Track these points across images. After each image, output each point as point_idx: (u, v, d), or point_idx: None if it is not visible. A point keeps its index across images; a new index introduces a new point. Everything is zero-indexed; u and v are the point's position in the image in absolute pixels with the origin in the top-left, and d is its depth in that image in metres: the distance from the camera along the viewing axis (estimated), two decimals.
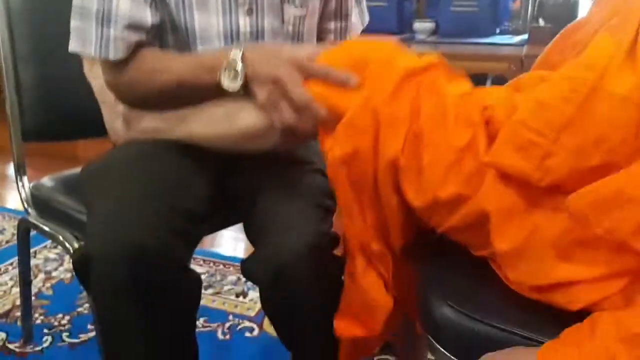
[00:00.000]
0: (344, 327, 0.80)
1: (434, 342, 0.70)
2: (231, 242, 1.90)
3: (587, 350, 0.53)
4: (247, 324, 1.43)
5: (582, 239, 0.58)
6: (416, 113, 0.66)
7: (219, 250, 1.84)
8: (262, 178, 0.88)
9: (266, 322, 1.43)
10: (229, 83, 0.75)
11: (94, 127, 1.11)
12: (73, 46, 0.85)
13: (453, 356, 0.67)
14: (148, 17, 0.82)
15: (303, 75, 0.72)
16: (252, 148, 0.80)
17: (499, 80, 2.70)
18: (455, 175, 0.64)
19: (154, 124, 0.89)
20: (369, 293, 0.76)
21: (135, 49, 0.84)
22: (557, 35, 0.81)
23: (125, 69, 0.85)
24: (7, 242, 1.88)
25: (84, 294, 1.57)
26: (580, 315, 0.58)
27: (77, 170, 1.18)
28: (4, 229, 1.97)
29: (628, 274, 0.57)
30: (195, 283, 0.85)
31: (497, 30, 2.52)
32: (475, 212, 0.64)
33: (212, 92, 0.78)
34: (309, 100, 0.70)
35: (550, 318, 0.61)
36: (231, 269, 1.70)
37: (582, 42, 0.71)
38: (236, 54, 0.75)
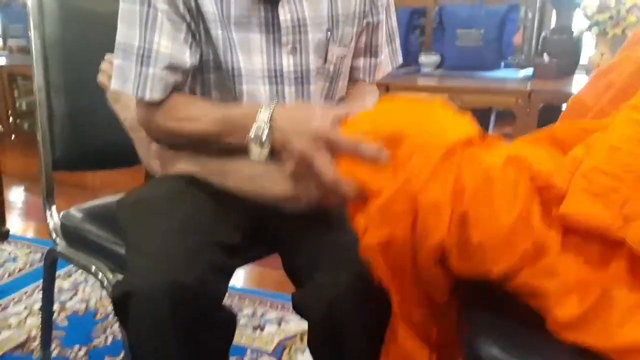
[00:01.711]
0: None
1: None
2: (235, 273, 1.88)
3: None
4: (265, 358, 1.42)
5: None
6: (459, 194, 0.63)
7: None
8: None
9: (285, 357, 1.42)
10: (257, 151, 0.76)
11: (123, 157, 1.11)
12: (114, 84, 0.85)
13: None
14: (187, 58, 0.82)
15: (331, 150, 0.70)
16: (287, 208, 0.80)
17: (504, 114, 2.75)
18: (509, 253, 0.62)
19: (188, 169, 0.90)
20: (410, 355, 0.75)
21: (171, 91, 0.84)
22: (589, 80, 0.82)
23: (157, 111, 0.85)
24: (19, 270, 1.84)
25: (100, 325, 1.55)
26: None
27: (101, 200, 1.20)
28: (17, 257, 1.94)
29: None
30: (230, 319, 0.85)
31: (502, 64, 2.58)
32: (532, 285, 0.62)
33: (240, 148, 0.79)
34: (337, 180, 0.69)
35: None
36: (246, 301, 1.69)
37: (615, 83, 0.72)
38: (264, 117, 0.75)
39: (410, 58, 2.63)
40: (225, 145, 0.82)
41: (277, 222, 0.92)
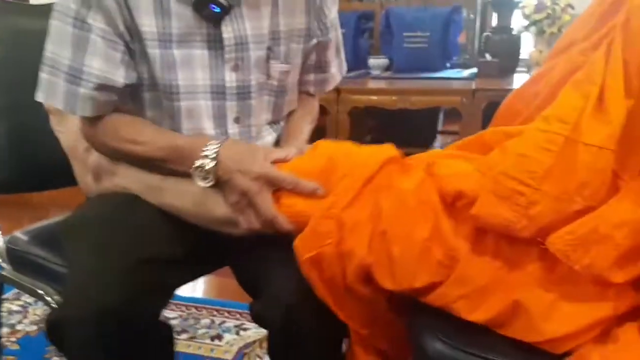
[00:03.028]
0: None
1: None
2: (193, 283, 1.87)
3: None
4: None
5: (561, 291, 0.62)
6: (378, 214, 0.70)
7: (178, 292, 1.81)
8: None
9: None
10: (200, 181, 0.81)
11: (65, 177, 1.09)
12: (40, 96, 0.84)
13: None
14: (121, 77, 0.82)
15: (272, 187, 0.78)
16: (225, 231, 0.83)
17: (451, 113, 2.82)
18: (425, 265, 0.68)
19: (125, 184, 0.90)
20: None
21: (106, 109, 0.84)
22: (518, 87, 0.87)
23: (99, 128, 0.86)
24: None
25: (52, 346, 1.51)
26: None
27: (47, 221, 1.17)
28: None
29: (607, 321, 0.61)
30: (166, 334, 0.87)
31: (448, 65, 2.65)
32: (449, 295, 0.68)
33: (184, 174, 0.82)
34: (274, 215, 0.77)
35: (541, 349, 0.64)
36: (204, 312, 1.68)
37: (543, 92, 0.77)
38: (211, 152, 0.79)
39: (359, 61, 2.67)
40: (168, 171, 0.84)
41: (225, 236, 0.92)
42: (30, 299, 1.77)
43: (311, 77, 1.02)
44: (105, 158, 0.93)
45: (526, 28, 2.42)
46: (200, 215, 0.84)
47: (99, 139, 0.88)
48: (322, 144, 0.81)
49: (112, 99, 0.84)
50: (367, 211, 0.70)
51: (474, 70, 2.53)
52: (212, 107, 0.87)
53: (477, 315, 0.67)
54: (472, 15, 2.73)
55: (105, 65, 0.80)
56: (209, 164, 0.79)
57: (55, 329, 0.75)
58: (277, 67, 0.90)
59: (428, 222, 0.68)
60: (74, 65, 0.80)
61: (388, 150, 0.76)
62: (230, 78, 0.86)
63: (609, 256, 0.58)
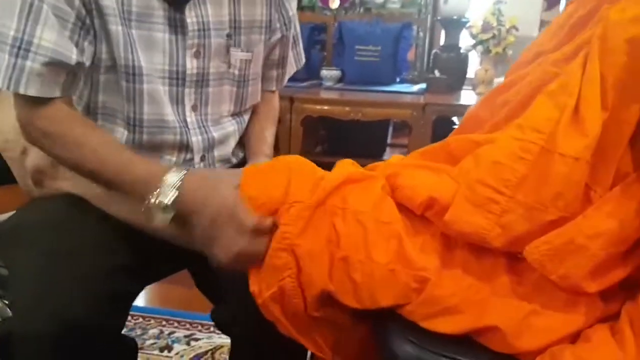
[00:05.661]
0: None
1: None
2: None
3: None
4: None
5: (534, 309, 0.62)
6: (335, 239, 0.67)
7: None
8: None
9: None
10: (159, 217, 0.72)
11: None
12: None
13: None
14: (73, 54, 0.75)
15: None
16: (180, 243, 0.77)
17: (401, 126, 2.89)
18: (391, 289, 0.66)
19: (68, 189, 0.84)
20: None
21: (52, 91, 0.75)
22: (485, 95, 0.88)
23: (38, 113, 0.77)
24: None
25: None
26: None
27: None
28: None
29: (579, 332, 0.62)
30: (131, 348, 0.83)
31: (397, 80, 2.71)
32: (418, 313, 0.66)
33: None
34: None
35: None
36: (152, 321, 1.61)
37: (511, 102, 0.79)
38: (172, 181, 0.71)
39: (312, 72, 2.70)
40: (119, 190, 0.76)
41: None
42: None
43: (273, 72, 1.01)
44: (44, 160, 0.86)
45: (473, 47, 2.52)
46: (154, 231, 0.77)
47: (37, 127, 0.78)
48: (282, 160, 0.76)
49: (61, 78, 0.76)
50: (323, 237, 0.67)
51: (423, 85, 2.61)
52: (169, 92, 0.84)
53: (448, 329, 0.66)
54: (421, 33, 2.82)
55: (59, 39, 0.73)
56: (171, 195, 0.71)
57: (5, 343, 0.68)
58: (237, 55, 0.88)
59: (390, 244, 0.66)
60: (22, 37, 0.72)
61: (344, 169, 0.72)
62: (191, 65, 0.83)
63: (584, 266, 0.59)
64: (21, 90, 0.73)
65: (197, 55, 0.84)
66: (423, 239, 0.68)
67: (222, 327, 0.83)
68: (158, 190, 0.70)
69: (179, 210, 0.70)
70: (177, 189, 0.70)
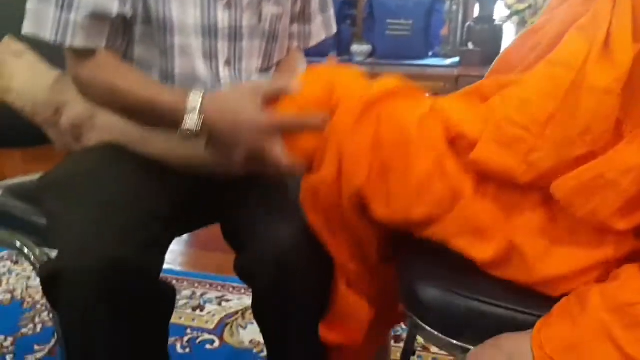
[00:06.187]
0: (328, 333, 0.81)
1: (420, 322, 0.72)
2: (174, 257, 1.85)
3: (581, 323, 0.56)
4: (207, 336, 1.40)
5: (559, 238, 0.62)
6: (378, 144, 0.67)
7: None
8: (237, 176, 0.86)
9: (227, 334, 1.41)
10: (194, 142, 0.76)
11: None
12: (27, 28, 0.79)
13: (440, 333, 0.70)
14: (115, 6, 0.78)
15: (278, 134, 0.72)
16: (219, 171, 0.80)
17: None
18: (424, 199, 0.66)
19: (107, 138, 0.87)
20: (351, 308, 0.79)
21: (97, 42, 0.80)
22: (516, 39, 0.87)
23: (85, 66, 0.81)
24: None
25: (28, 314, 1.48)
26: None
27: (19, 179, 1.13)
28: None
29: (604, 265, 0.61)
30: (170, 292, 0.83)
31: (430, 54, 2.67)
32: (449, 230, 0.67)
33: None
34: (291, 164, 0.73)
35: (537, 293, 0.65)
36: (185, 284, 1.65)
37: (542, 44, 0.77)
38: (194, 104, 0.74)
39: (342, 48, 2.68)
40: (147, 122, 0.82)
41: (214, 190, 0.90)
42: (3, 269, 1.72)
43: (295, 28, 1.00)
44: (81, 113, 0.89)
45: (508, 18, 2.46)
46: (191, 158, 0.81)
47: (82, 81, 0.83)
48: (318, 67, 0.77)
49: (105, 30, 0.80)
50: (367, 141, 0.67)
51: (456, 59, 2.57)
52: (202, 46, 0.85)
53: (475, 252, 0.66)
54: (454, 6, 2.76)
55: None
56: (197, 121, 0.74)
57: (51, 283, 0.70)
58: (269, 9, 0.89)
59: (429, 157, 0.66)
60: None
61: (392, 80, 0.72)
62: (222, 17, 0.84)
63: (614, 202, 0.58)
64: (67, 43, 0.78)
65: (228, 6, 0.84)
66: (460, 162, 0.68)
67: (244, 276, 0.84)
68: (185, 117, 0.74)
69: (206, 122, 0.74)
70: (200, 112, 0.74)
